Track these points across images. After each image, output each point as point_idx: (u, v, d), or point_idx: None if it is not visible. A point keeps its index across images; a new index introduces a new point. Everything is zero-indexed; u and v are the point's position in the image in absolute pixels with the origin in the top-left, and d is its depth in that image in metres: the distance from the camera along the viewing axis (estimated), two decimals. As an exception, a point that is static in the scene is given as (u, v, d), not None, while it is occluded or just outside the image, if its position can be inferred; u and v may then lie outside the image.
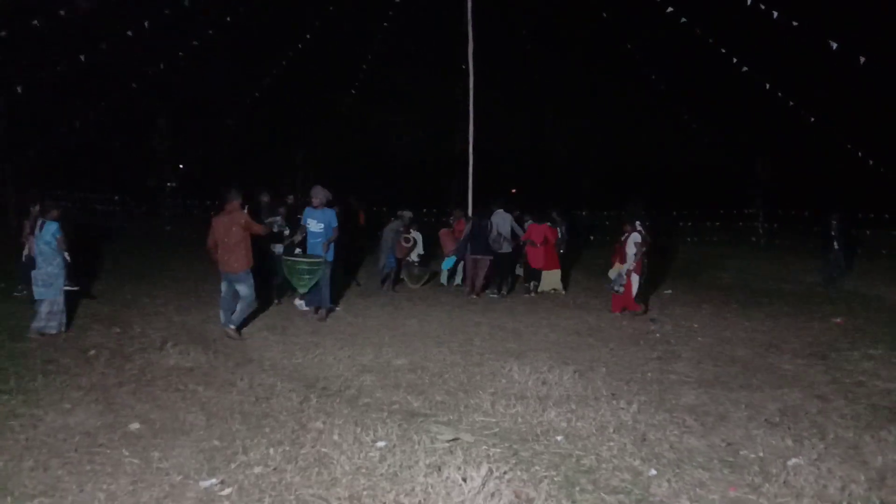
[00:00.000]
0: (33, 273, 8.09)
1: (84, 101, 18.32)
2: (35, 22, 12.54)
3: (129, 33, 13.56)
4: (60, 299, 8.15)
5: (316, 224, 9.36)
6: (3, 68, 19.35)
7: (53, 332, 8.04)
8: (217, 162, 24.93)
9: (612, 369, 7.15)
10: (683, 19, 13.53)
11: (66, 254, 8.24)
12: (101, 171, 29.02)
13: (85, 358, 7.11)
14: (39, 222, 8.21)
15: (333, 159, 26.77)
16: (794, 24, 11.92)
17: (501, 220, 11.78)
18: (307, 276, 9.02)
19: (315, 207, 9.40)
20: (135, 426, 5.15)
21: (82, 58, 13.65)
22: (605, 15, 16.58)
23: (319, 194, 9.45)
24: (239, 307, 8.21)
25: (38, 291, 8.01)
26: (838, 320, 10.08)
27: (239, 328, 8.25)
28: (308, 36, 16.39)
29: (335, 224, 9.42)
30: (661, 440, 5.07)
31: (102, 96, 16.58)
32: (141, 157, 27.81)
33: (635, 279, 10.36)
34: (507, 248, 11.77)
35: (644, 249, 10.34)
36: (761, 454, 4.83)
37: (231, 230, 8.16)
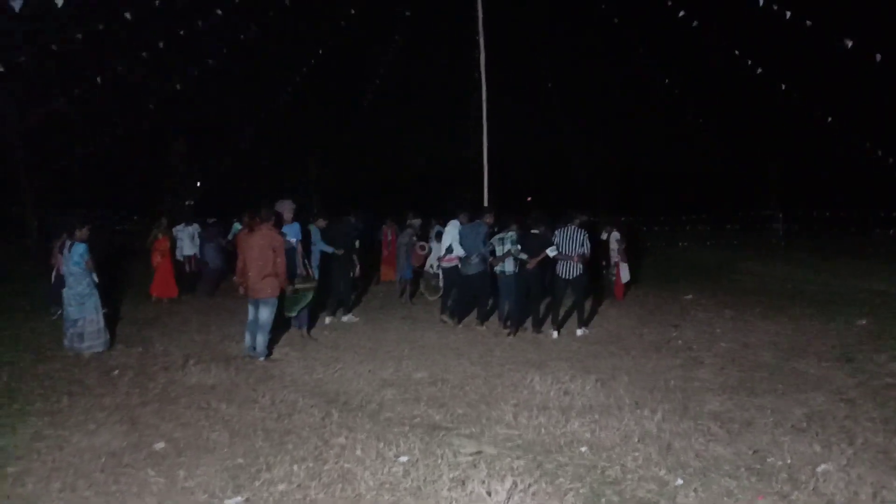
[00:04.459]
0: (64, 293, 8.26)
1: (102, 122, 18.58)
2: (53, 46, 12.75)
3: (145, 54, 13.75)
4: (100, 317, 8.28)
5: (287, 241, 8.76)
6: (23, 91, 19.70)
7: (100, 349, 8.20)
8: (234, 178, 25.13)
9: (634, 378, 7.09)
10: (695, 23, 13.48)
11: (94, 274, 8.34)
12: (119, 191, 29.41)
13: (109, 378, 7.18)
14: (68, 243, 8.31)
15: (348, 171, 26.94)
16: (808, 23, 11.84)
17: None
18: (292, 301, 8.59)
19: (287, 222, 8.85)
20: (159, 445, 5.18)
21: (99, 80, 13.85)
22: (616, 21, 16.56)
23: (289, 207, 8.92)
24: (260, 338, 7.91)
25: (72, 311, 8.18)
26: (862, 322, 9.94)
27: (269, 354, 8.05)
28: (321, 51, 16.53)
29: (300, 238, 9.03)
30: (686, 449, 5.01)
31: (120, 117, 16.83)
32: (159, 175, 28.14)
33: (624, 268, 12.21)
34: None
35: (624, 245, 12.34)
36: (789, 461, 4.75)
37: (266, 252, 7.81)
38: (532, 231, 9.58)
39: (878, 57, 11.42)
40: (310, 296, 8.84)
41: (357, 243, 10.96)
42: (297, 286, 8.60)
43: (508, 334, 9.39)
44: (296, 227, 9.06)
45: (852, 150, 15.69)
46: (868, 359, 7.75)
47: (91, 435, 5.43)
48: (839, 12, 16.55)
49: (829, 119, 14.31)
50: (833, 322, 10.04)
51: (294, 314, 8.94)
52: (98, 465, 4.81)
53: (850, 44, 11.43)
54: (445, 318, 10.24)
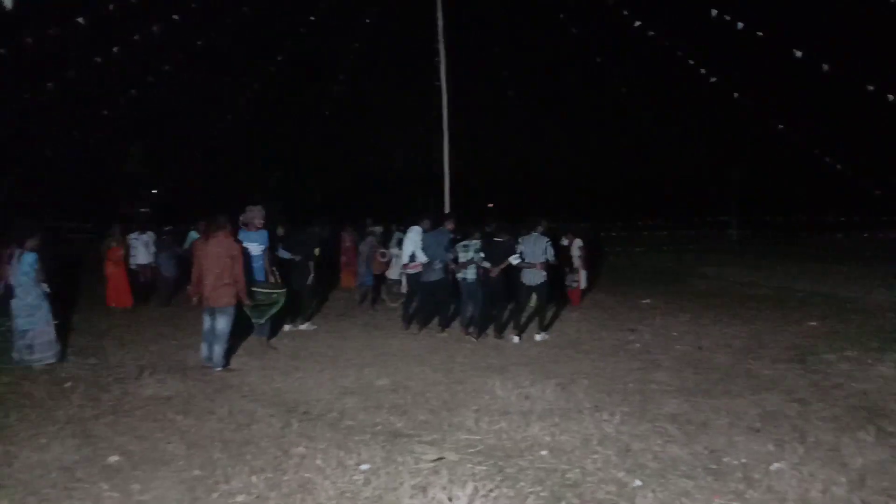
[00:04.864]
0: (13, 304, 7.98)
1: (55, 128, 18.13)
2: (2, 50, 12.41)
3: (98, 59, 13.46)
4: (50, 328, 8.05)
5: (257, 247, 8.79)
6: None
7: (52, 361, 7.97)
8: (190, 186, 24.76)
9: (594, 381, 7.16)
10: (651, 33, 13.77)
11: (44, 284, 8.11)
12: (72, 198, 28.67)
13: (60, 390, 6.97)
14: (17, 253, 8.06)
15: (309, 179, 26.77)
16: (759, 34, 12.19)
17: None
18: (265, 307, 8.52)
19: (256, 229, 8.82)
20: (113, 459, 5.06)
21: (50, 85, 13.51)
22: (574, 31, 16.80)
23: (259, 215, 8.88)
24: (217, 348, 7.75)
25: (21, 322, 7.94)
26: (813, 323, 10.22)
27: (226, 364, 7.87)
28: (279, 58, 16.40)
29: (268, 245, 9.01)
30: (644, 451, 5.08)
31: (74, 123, 16.43)
32: (114, 182, 27.60)
33: (583, 275, 12.56)
34: None
35: (586, 252, 12.64)
36: (744, 460, 4.86)
37: (223, 260, 7.68)
38: (495, 239, 9.65)
39: (826, 67, 11.82)
40: (280, 302, 8.74)
41: (317, 251, 10.86)
42: (268, 290, 8.54)
43: (477, 338, 9.43)
44: (264, 234, 8.97)
45: (802, 157, 16.15)
46: (819, 359, 7.97)
47: (42, 449, 5.27)
48: (788, 24, 17.05)
49: (780, 126, 14.72)
50: (785, 324, 10.31)
51: (263, 321, 8.81)
52: (49, 481, 4.67)
53: (798, 54, 11.82)
54: (414, 329, 10.19)
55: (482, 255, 9.57)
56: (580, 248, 12.51)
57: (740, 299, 13.02)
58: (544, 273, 9.48)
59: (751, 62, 18.52)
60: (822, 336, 9.39)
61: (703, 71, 14.22)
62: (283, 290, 8.78)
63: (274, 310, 8.71)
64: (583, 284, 12.61)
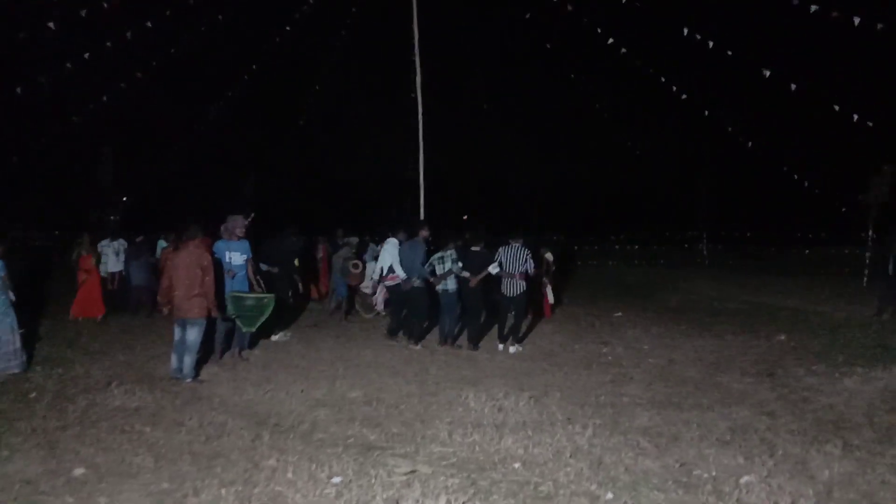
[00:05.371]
0: None
1: (23, 134, 17.82)
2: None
3: (69, 65, 13.28)
4: (16, 337, 7.88)
5: (239, 256, 8.69)
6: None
7: (16, 371, 7.79)
8: (162, 194, 24.45)
9: (566, 394, 7.19)
10: (624, 50, 13.97)
11: (10, 292, 7.94)
12: (39, 205, 28.17)
13: (25, 401, 6.81)
14: None
15: (284, 187, 26.63)
16: (729, 53, 12.45)
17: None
18: (256, 313, 8.50)
19: (238, 238, 8.75)
20: (79, 471, 4.94)
21: (19, 90, 13.29)
22: (548, 46, 16.98)
23: (240, 224, 8.79)
24: (187, 359, 7.63)
25: None
26: (782, 337, 10.38)
27: (196, 375, 7.74)
28: (254, 67, 16.33)
29: (250, 255, 8.91)
30: (616, 463, 5.11)
31: (43, 129, 16.17)
32: (84, 190, 27.18)
33: (549, 289, 12.55)
34: None
35: (554, 267, 12.85)
36: (714, 473, 4.90)
37: (194, 271, 7.61)
38: (472, 248, 9.67)
39: (794, 86, 12.11)
40: (270, 308, 8.67)
41: (297, 261, 10.77)
42: (257, 296, 8.53)
43: (474, 348, 9.52)
44: (246, 243, 8.86)
45: (771, 173, 16.48)
46: (787, 373, 8.10)
47: (4, 462, 5.14)
48: (757, 44, 17.43)
49: (750, 143, 15.01)
50: (754, 338, 10.46)
51: (254, 329, 8.75)
52: (11, 494, 4.55)
53: (767, 73, 12.09)
54: (408, 342, 10.06)
55: (460, 264, 9.57)
56: (550, 260, 12.65)
57: (710, 313, 13.19)
58: (524, 283, 9.52)
59: (721, 80, 18.89)
60: (790, 350, 9.55)
61: (674, 88, 14.47)
62: (272, 296, 8.73)
63: (264, 317, 8.65)
64: (551, 299, 12.69)
